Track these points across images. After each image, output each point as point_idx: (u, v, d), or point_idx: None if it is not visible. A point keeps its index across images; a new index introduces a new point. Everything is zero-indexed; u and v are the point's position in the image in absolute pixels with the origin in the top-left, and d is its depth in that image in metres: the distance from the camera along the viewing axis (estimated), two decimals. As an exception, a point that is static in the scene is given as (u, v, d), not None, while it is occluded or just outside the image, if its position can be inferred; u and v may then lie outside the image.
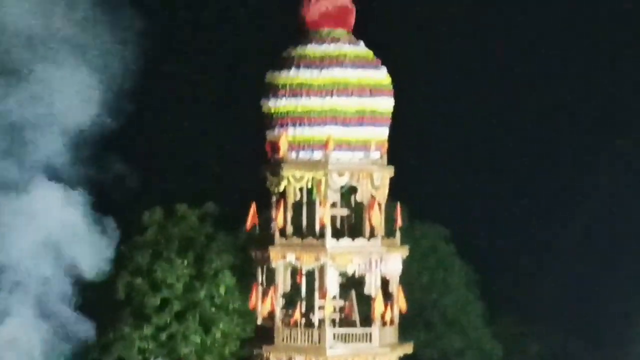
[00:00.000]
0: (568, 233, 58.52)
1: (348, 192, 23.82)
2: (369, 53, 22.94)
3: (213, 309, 34.93)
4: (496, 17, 66.00)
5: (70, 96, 29.60)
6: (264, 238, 23.87)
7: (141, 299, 34.42)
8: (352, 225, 24.15)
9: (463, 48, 66.06)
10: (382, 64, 23.25)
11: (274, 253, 22.71)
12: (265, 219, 24.01)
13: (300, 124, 22.50)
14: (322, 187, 22.56)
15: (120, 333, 33.49)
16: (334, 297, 23.27)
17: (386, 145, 23.27)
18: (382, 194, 22.86)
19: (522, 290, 53.33)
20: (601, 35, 65.72)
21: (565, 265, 57.25)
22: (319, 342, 22.56)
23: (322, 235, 22.49)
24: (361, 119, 22.46)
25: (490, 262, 50.51)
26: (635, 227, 54.99)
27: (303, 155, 22.69)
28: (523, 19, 70.41)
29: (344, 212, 23.96)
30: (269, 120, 22.98)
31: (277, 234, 22.98)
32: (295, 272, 23.36)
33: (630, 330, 48.42)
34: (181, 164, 54.10)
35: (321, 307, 22.93)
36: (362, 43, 23.10)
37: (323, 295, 22.77)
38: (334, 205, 23.30)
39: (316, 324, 22.87)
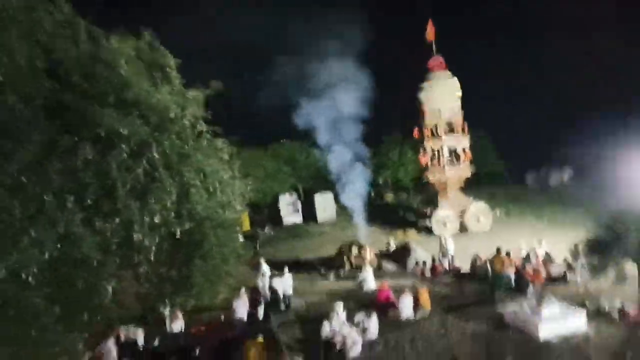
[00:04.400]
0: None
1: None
2: (451, 74, 44.66)
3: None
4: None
5: None
6: (423, 144, 45.78)
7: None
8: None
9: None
10: (455, 76, 44.31)
11: (428, 145, 45.81)
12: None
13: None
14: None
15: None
16: (449, 155, 45.89)
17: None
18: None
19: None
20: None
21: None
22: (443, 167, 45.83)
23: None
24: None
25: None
26: None
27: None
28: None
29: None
30: (419, 103, 45.67)
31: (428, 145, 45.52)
32: (434, 151, 45.38)
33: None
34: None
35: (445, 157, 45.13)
36: (449, 72, 44.64)
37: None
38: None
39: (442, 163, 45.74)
